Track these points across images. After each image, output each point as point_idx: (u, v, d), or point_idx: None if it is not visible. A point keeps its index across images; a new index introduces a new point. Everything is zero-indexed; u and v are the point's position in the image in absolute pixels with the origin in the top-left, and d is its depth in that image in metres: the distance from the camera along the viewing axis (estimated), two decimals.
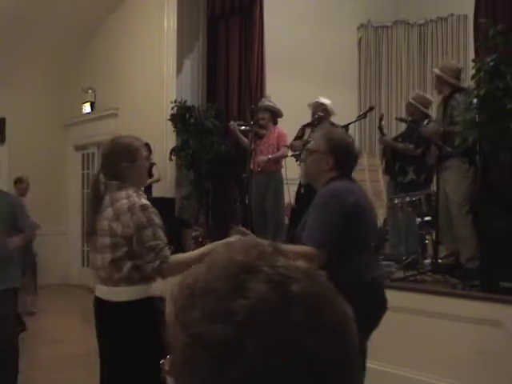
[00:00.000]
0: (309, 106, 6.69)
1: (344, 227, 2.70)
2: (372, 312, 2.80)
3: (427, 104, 6.00)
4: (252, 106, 7.00)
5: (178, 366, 0.65)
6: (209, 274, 0.66)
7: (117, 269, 2.76)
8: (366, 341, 2.79)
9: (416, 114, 5.88)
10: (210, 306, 0.63)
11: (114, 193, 2.82)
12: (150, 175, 7.64)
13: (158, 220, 2.77)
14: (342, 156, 2.85)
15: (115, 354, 2.80)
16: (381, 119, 6.15)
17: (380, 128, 6.05)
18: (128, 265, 2.74)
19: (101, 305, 2.85)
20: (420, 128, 5.40)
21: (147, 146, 7.84)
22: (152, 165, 7.72)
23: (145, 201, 2.80)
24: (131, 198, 2.78)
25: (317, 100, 6.61)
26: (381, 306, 2.88)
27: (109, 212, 2.79)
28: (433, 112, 6.03)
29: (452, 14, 9.07)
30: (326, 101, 6.62)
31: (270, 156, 6.55)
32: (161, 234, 2.76)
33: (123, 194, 2.80)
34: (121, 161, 2.85)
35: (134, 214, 2.72)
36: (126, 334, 2.70)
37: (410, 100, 6.02)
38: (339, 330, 0.65)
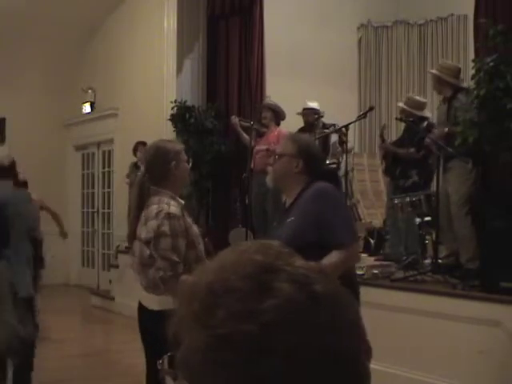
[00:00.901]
0: (298, 114, 6.70)
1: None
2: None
3: (421, 106, 5.93)
4: (256, 105, 7.00)
5: (195, 367, 0.65)
6: (228, 273, 0.66)
7: (143, 273, 2.76)
8: None
9: (410, 118, 5.87)
10: (234, 306, 0.63)
11: (150, 198, 2.84)
12: None
13: (180, 229, 2.75)
14: (310, 158, 2.86)
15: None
16: (383, 129, 6.17)
17: (381, 136, 6.07)
18: (150, 269, 2.72)
19: (140, 308, 2.93)
20: (427, 135, 5.37)
21: (145, 144, 7.88)
22: None
23: (174, 209, 2.77)
24: (161, 204, 2.78)
25: (306, 107, 6.63)
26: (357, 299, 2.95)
27: (142, 216, 2.82)
28: (433, 113, 6.01)
29: (452, 14, 9.06)
30: (313, 104, 6.65)
31: (268, 147, 6.54)
32: (180, 246, 2.73)
33: (156, 199, 2.81)
34: (164, 165, 2.85)
35: (159, 221, 2.72)
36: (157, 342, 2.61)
37: (403, 106, 5.97)
38: (356, 327, 0.67)
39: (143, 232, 2.75)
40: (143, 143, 7.79)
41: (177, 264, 2.68)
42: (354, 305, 0.69)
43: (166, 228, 2.70)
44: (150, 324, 2.74)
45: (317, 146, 3.10)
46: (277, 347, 0.61)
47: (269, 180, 3.13)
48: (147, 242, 2.72)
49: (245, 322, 0.62)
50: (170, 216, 2.73)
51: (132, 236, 2.87)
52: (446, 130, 4.93)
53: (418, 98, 6.20)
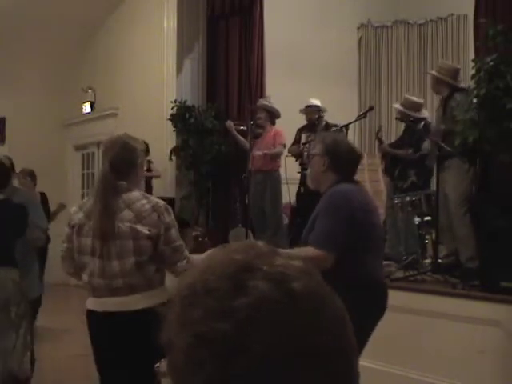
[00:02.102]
0: (301, 111, 6.71)
1: (350, 229, 2.75)
2: (373, 313, 2.85)
3: (417, 107, 5.92)
4: (251, 106, 7.01)
5: (178, 367, 0.66)
6: (208, 273, 0.67)
7: (142, 273, 2.66)
8: (364, 338, 2.81)
9: (406, 119, 5.88)
10: (211, 305, 0.64)
11: (125, 194, 2.70)
12: (149, 172, 7.73)
13: None
14: (336, 156, 2.91)
15: (127, 363, 2.68)
16: (379, 130, 6.17)
17: (378, 138, 6.07)
18: (152, 268, 2.68)
19: (107, 319, 2.68)
20: (427, 135, 5.37)
21: (145, 145, 7.92)
22: (150, 162, 7.79)
23: (162, 201, 2.78)
24: (149, 198, 2.75)
25: (309, 104, 6.64)
26: (381, 306, 2.93)
27: (127, 214, 2.66)
28: (432, 114, 6.01)
29: (452, 14, 9.07)
30: (316, 102, 6.65)
31: (265, 151, 6.55)
32: (178, 233, 2.77)
33: (137, 194, 2.73)
34: (132, 162, 2.79)
35: (161, 214, 2.68)
36: (141, 342, 2.45)
37: (399, 108, 5.96)
38: (338, 327, 0.66)
39: (143, 229, 2.64)
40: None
41: (185, 249, 2.73)
42: (338, 304, 0.68)
43: (169, 220, 2.70)
44: (134, 326, 2.60)
45: (346, 145, 3.04)
46: (251, 346, 0.61)
47: (308, 182, 3.23)
48: (149, 238, 2.65)
49: (220, 321, 0.62)
50: (166, 207, 2.72)
51: (107, 237, 2.65)
52: (443, 127, 4.95)
53: (414, 98, 6.18)
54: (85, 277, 2.77)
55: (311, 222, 2.87)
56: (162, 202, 2.74)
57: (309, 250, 2.72)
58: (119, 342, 2.68)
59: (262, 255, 0.68)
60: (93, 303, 2.77)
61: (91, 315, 2.77)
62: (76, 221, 2.79)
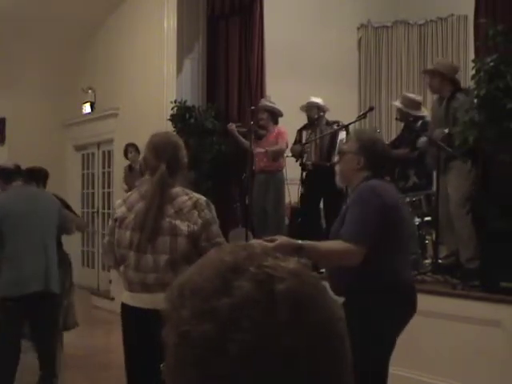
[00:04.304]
0: (301, 108, 6.69)
1: (382, 225, 2.71)
2: (398, 315, 2.82)
3: (417, 105, 5.89)
4: (252, 107, 7.01)
5: (170, 367, 0.66)
6: (198, 274, 0.67)
7: (174, 271, 2.66)
8: (391, 340, 2.81)
9: (406, 117, 5.85)
10: (197, 305, 0.64)
11: (170, 189, 2.77)
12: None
13: None
14: (372, 155, 2.89)
15: (153, 358, 2.70)
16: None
17: None
18: (185, 268, 2.69)
19: (139, 314, 2.70)
20: (423, 134, 5.35)
21: (134, 146, 7.92)
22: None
23: (203, 197, 2.82)
24: (190, 194, 2.78)
25: (309, 101, 6.62)
26: (409, 307, 2.87)
27: (168, 209, 2.71)
28: (428, 112, 5.98)
29: (452, 14, 9.06)
30: (318, 100, 6.64)
31: (267, 148, 6.54)
32: (219, 229, 2.79)
33: (178, 190, 2.78)
34: (182, 161, 2.86)
35: (202, 211, 2.71)
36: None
37: (399, 105, 5.93)
38: (324, 328, 0.65)
39: (183, 225, 2.68)
40: (133, 145, 7.81)
41: None
42: (328, 305, 0.67)
43: (210, 216, 2.73)
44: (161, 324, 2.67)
45: (382, 143, 3.04)
46: (233, 345, 0.61)
47: (338, 180, 3.20)
48: (187, 236, 2.67)
49: (204, 321, 0.63)
50: (207, 203, 2.76)
51: (152, 232, 2.70)
52: (446, 131, 4.90)
53: (413, 96, 6.14)
54: (121, 268, 2.81)
55: (341, 217, 2.85)
56: (203, 199, 2.78)
57: (339, 244, 2.67)
58: (148, 337, 2.64)
59: (252, 256, 0.68)
60: (127, 297, 2.82)
61: (125, 308, 2.83)
62: (119, 214, 2.83)
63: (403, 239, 2.89)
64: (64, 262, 4.70)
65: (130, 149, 7.82)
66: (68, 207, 4.90)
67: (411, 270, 3.04)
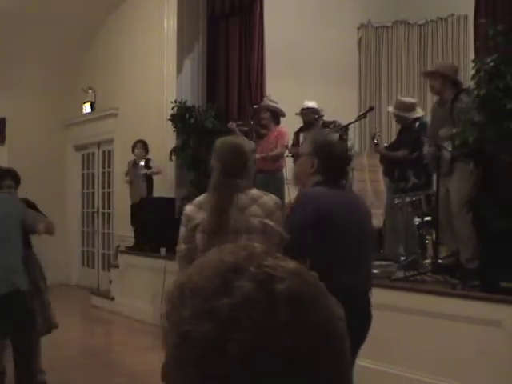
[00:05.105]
0: (297, 114, 6.71)
1: (313, 232, 2.66)
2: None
3: (411, 108, 5.89)
4: (254, 106, 7.00)
5: (169, 368, 0.66)
6: (199, 274, 0.68)
7: None
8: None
9: (404, 121, 5.86)
10: (197, 305, 0.64)
11: (248, 191, 2.85)
12: (148, 169, 7.79)
13: None
14: (327, 157, 2.80)
15: None
16: (373, 137, 6.17)
17: (374, 143, 6.07)
18: None
19: None
20: (424, 133, 5.34)
21: (143, 142, 8.01)
22: (148, 160, 7.80)
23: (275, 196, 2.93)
24: (268, 194, 2.89)
25: (303, 107, 6.64)
26: (358, 316, 2.66)
27: (255, 209, 2.80)
28: (427, 113, 5.96)
29: (452, 14, 9.06)
30: (311, 103, 6.66)
31: (263, 154, 6.54)
32: None
33: (255, 191, 2.87)
34: (243, 163, 2.90)
35: (282, 211, 2.85)
36: None
37: (393, 111, 5.93)
38: (324, 328, 0.65)
39: (270, 223, 2.78)
40: (142, 141, 7.90)
41: None
42: (328, 305, 0.67)
43: (283, 216, 2.88)
44: None
45: (340, 146, 2.98)
46: (233, 345, 0.61)
47: (292, 181, 3.21)
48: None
49: (204, 321, 0.63)
50: (282, 203, 2.96)
51: (217, 231, 2.76)
52: (454, 131, 4.83)
53: (406, 99, 6.13)
54: None
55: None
56: (279, 199, 2.91)
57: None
58: None
59: (252, 256, 0.68)
60: None
61: None
62: (201, 219, 2.84)
63: (343, 245, 2.75)
64: (35, 262, 4.66)
65: (139, 145, 7.90)
66: (35, 208, 4.83)
67: (357, 272, 2.84)
